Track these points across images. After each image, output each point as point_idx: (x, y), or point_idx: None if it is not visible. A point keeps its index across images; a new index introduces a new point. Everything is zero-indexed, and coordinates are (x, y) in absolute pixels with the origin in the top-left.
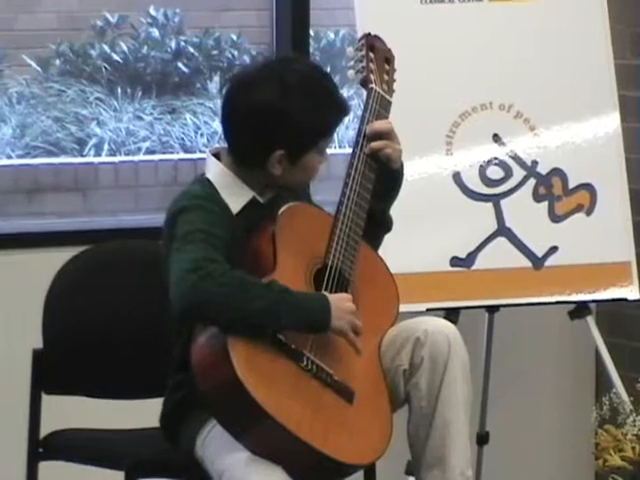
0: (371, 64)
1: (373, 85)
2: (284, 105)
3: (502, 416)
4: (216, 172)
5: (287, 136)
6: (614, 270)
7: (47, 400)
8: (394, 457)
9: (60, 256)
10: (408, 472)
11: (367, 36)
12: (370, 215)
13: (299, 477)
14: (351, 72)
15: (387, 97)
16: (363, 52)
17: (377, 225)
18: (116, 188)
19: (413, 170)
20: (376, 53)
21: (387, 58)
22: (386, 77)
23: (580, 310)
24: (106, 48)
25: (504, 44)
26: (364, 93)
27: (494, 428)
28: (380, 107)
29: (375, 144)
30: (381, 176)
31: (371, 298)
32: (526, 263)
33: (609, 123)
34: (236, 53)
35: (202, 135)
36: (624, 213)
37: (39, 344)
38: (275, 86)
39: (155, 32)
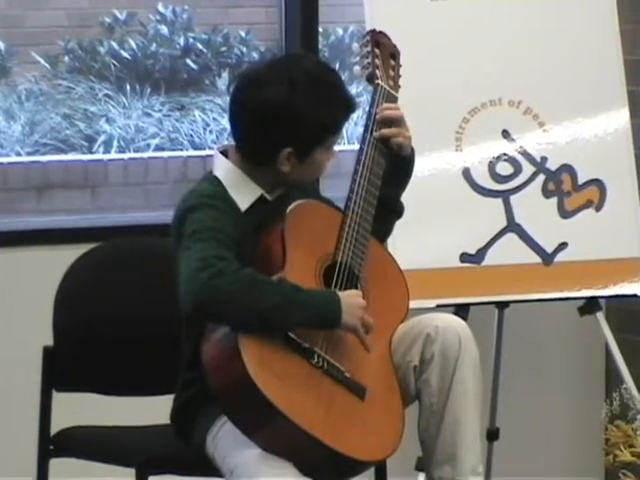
0: (377, 60)
1: (379, 81)
2: (292, 102)
3: (512, 412)
4: (224, 170)
5: (295, 133)
6: (624, 266)
7: (58, 397)
8: (404, 453)
9: (69, 253)
10: (418, 468)
11: (372, 32)
12: (382, 201)
13: (311, 474)
14: (357, 68)
15: (393, 93)
16: (368, 48)
17: (389, 211)
18: (125, 185)
19: (423, 166)
20: (381, 49)
21: (393, 54)
22: (392, 73)
23: (590, 306)
24: (115, 45)
25: (513, 40)
26: (371, 89)
27: (504, 424)
28: (386, 103)
29: (386, 131)
30: (392, 163)
31: (381, 294)
32: (536, 259)
33: (618, 119)
34: (245, 50)
35: (211, 132)
36: (634, 209)
37: (50, 341)
38: (283, 83)
39: (164, 29)
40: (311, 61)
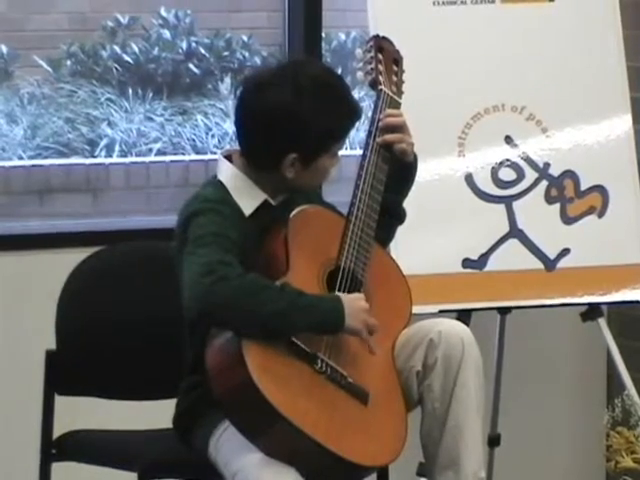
0: (380, 66)
1: (382, 87)
2: (298, 108)
3: (514, 418)
4: (228, 174)
5: (300, 139)
6: (626, 272)
7: (60, 401)
8: (406, 458)
9: (71, 257)
10: (420, 473)
11: (375, 38)
12: (385, 207)
13: (313, 479)
14: (360, 74)
15: (396, 98)
16: (372, 54)
17: (390, 217)
18: (127, 189)
19: (425, 172)
20: (385, 55)
21: (396, 59)
22: (395, 78)
23: (592, 312)
24: (117, 49)
25: (516, 46)
26: (374, 95)
27: (506, 430)
28: (390, 108)
29: (389, 137)
30: (395, 169)
31: (384, 299)
32: (538, 265)
33: (621, 125)
34: (247, 54)
35: (213, 136)
36: (636, 215)
37: (52, 345)
38: (289, 89)
39: (166, 33)
40: (316, 66)
